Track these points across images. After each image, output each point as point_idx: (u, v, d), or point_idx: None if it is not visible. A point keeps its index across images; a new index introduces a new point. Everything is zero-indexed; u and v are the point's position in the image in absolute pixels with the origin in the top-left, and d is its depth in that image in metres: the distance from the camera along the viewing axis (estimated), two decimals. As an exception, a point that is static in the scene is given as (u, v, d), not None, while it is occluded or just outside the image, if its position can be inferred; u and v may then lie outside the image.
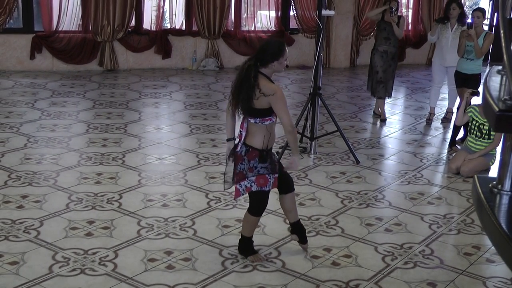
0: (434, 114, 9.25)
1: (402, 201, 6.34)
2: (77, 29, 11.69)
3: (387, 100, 9.62)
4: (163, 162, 7.12)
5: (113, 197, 6.04)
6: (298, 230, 5.06)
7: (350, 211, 6.01)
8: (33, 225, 5.38)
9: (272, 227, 5.53)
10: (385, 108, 9.40)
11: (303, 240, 5.08)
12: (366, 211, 6.03)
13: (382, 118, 9.26)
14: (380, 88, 9.17)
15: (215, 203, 6.02)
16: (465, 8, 8.84)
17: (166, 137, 8.03)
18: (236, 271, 4.79)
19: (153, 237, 5.27)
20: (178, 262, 4.87)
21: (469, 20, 8.41)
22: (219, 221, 5.63)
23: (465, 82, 8.33)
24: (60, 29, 11.51)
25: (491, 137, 7.14)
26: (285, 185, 4.91)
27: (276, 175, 4.75)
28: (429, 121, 9.16)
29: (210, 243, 5.20)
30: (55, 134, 7.91)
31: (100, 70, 11.85)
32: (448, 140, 8.24)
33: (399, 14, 9.26)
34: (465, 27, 8.47)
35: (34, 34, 11.43)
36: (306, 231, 5.16)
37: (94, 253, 4.94)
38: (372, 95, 9.44)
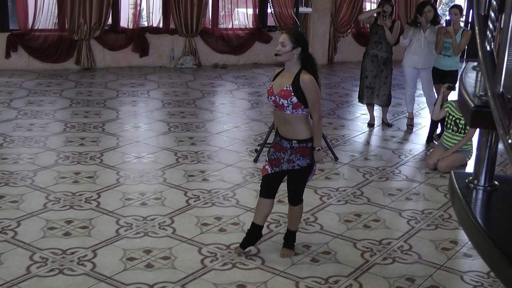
0: (413, 118, 8.98)
1: (381, 197, 6.38)
2: (53, 28, 11.59)
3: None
4: (141, 160, 7.09)
5: (91, 196, 6.01)
6: (287, 237, 5.08)
7: (329, 208, 6.03)
8: (10, 225, 5.33)
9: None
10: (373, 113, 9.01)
11: (287, 245, 5.07)
12: (344, 208, 6.06)
13: (370, 122, 8.93)
14: (369, 95, 8.74)
15: (194, 201, 6.01)
16: (438, 8, 8.50)
17: (144, 136, 7.99)
18: (215, 269, 4.78)
19: (132, 236, 5.24)
20: (157, 261, 4.85)
21: (447, 17, 8.35)
22: (198, 219, 5.63)
23: (442, 79, 8.28)
24: (36, 27, 11.39)
25: (467, 131, 7.21)
26: (289, 197, 4.97)
27: (265, 163, 4.91)
28: (410, 126, 8.86)
29: (189, 241, 5.19)
30: (32, 133, 7.84)
31: (77, 68, 11.76)
32: (426, 136, 8.31)
33: (393, 18, 8.72)
34: (437, 27, 8.36)
35: (10, 33, 11.29)
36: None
37: (72, 253, 4.91)
38: (359, 101, 8.98)
